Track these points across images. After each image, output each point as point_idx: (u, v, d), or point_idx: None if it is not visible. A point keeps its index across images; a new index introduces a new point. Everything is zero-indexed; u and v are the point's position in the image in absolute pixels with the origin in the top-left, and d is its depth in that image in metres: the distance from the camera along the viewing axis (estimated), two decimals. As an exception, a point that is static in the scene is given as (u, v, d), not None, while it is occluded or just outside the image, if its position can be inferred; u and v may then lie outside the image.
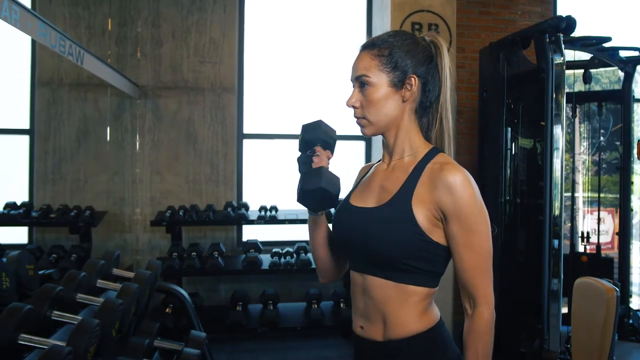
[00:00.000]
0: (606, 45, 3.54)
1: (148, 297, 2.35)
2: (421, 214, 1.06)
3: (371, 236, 1.09)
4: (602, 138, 4.08)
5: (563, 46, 3.07)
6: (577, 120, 3.98)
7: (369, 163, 1.33)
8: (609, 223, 4.23)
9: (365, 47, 1.16)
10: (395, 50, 1.12)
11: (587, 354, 2.13)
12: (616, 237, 4.19)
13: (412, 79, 1.12)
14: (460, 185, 1.04)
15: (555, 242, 3.06)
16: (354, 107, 1.15)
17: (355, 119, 1.17)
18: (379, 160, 1.27)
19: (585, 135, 3.98)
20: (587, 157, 4.16)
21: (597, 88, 3.75)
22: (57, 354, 1.26)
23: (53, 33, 2.21)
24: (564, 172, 3.10)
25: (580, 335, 2.18)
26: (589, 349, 2.11)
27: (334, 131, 1.23)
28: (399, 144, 1.16)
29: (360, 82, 1.13)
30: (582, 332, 2.18)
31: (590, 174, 4.16)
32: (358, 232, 1.13)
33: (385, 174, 1.18)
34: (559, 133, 3.07)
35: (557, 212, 3.05)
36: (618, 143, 4.32)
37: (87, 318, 1.53)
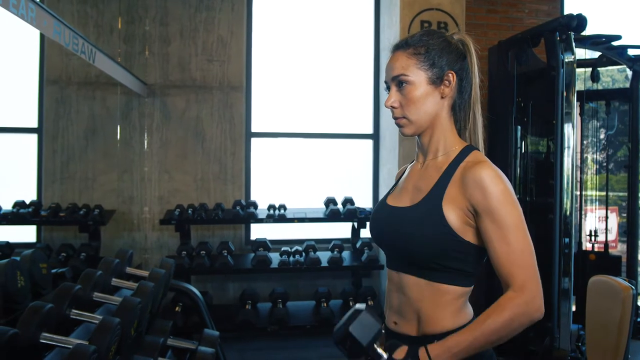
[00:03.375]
0: (615, 43, 3.54)
1: (162, 296, 2.35)
2: (452, 214, 1.06)
3: (404, 235, 1.10)
4: (602, 136, 4.07)
5: (574, 44, 3.07)
6: (578, 118, 3.98)
7: (406, 164, 1.33)
8: (612, 221, 4.24)
9: (399, 47, 1.16)
10: (431, 48, 1.12)
11: (601, 353, 2.13)
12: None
13: (450, 74, 1.13)
14: (490, 181, 1.03)
15: (566, 240, 3.06)
16: (392, 107, 1.15)
17: (395, 120, 1.17)
18: (413, 161, 1.27)
19: (586, 134, 3.97)
20: (588, 156, 4.16)
21: (597, 87, 3.75)
22: (83, 353, 1.25)
23: (67, 31, 2.20)
24: (574, 171, 3.10)
25: (595, 334, 2.18)
26: (604, 348, 2.11)
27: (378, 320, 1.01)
28: (434, 143, 1.17)
29: (398, 81, 1.13)
30: (596, 330, 2.17)
31: (591, 172, 4.16)
32: (392, 231, 1.14)
33: (419, 173, 1.19)
34: (569, 131, 3.07)
35: (567, 211, 3.05)
36: (617, 142, 4.32)
37: (108, 317, 1.52)
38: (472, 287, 1.13)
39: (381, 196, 4.16)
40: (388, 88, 1.17)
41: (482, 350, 1.07)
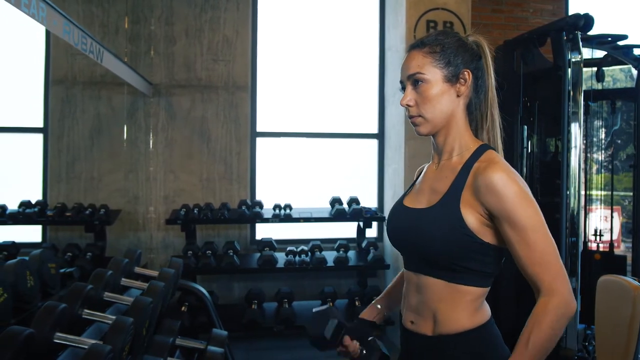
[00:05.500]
0: (620, 43, 3.54)
1: (171, 296, 2.35)
2: (470, 215, 1.06)
3: (422, 237, 1.09)
4: (603, 135, 4.07)
5: (581, 44, 3.07)
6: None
7: (424, 164, 1.33)
8: (615, 221, 4.23)
9: (414, 47, 1.16)
10: (447, 47, 1.13)
11: (611, 352, 2.13)
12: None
13: (466, 72, 1.13)
14: (502, 185, 1.02)
15: (573, 240, 3.06)
16: (408, 106, 1.15)
17: (410, 118, 1.17)
18: (430, 161, 1.27)
19: (590, 133, 3.96)
20: (593, 155, 4.16)
21: (599, 86, 3.75)
22: (99, 353, 1.25)
23: (76, 30, 2.20)
24: (580, 170, 3.10)
25: (605, 334, 2.18)
26: (613, 347, 2.11)
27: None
28: (449, 143, 1.17)
29: (413, 80, 1.13)
30: (606, 330, 2.17)
31: (591, 171, 4.15)
32: (410, 232, 1.14)
33: (434, 174, 1.19)
34: (576, 131, 3.07)
35: (574, 210, 3.05)
36: (620, 142, 4.32)
37: (122, 317, 1.52)
38: (489, 287, 1.13)
39: (386, 196, 4.19)
40: (403, 88, 1.17)
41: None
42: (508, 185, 1.02)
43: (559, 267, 1.02)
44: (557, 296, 1.00)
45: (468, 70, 1.13)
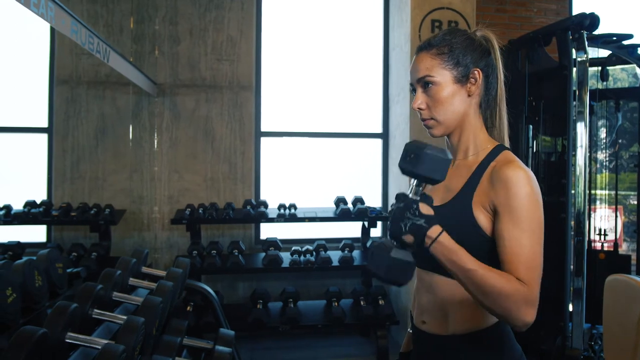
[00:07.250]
0: (625, 42, 3.54)
1: (178, 296, 2.35)
2: (480, 213, 1.06)
3: None
4: (604, 135, 4.07)
5: (586, 44, 3.07)
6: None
7: None
8: (617, 220, 4.23)
9: (422, 49, 1.15)
10: (455, 47, 1.12)
11: (619, 352, 2.13)
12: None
13: (476, 72, 1.12)
14: (516, 182, 1.00)
15: (578, 239, 3.06)
16: (420, 109, 1.14)
17: (423, 121, 1.16)
18: None
19: (590, 133, 3.96)
20: (597, 155, 4.16)
21: (600, 86, 3.75)
22: (113, 353, 1.25)
23: (83, 30, 2.20)
24: (586, 170, 3.10)
25: (613, 333, 2.18)
26: (621, 347, 2.11)
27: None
28: (464, 142, 1.16)
29: (423, 83, 1.12)
30: (614, 329, 2.17)
31: (595, 171, 4.15)
32: None
33: (449, 173, 1.17)
34: (582, 130, 3.06)
35: (580, 210, 3.04)
36: (621, 141, 4.31)
37: (133, 317, 1.52)
38: None
39: (391, 195, 4.18)
40: (414, 90, 1.16)
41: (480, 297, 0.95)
42: (522, 184, 1.00)
43: (539, 283, 0.99)
44: (531, 294, 0.95)
45: (478, 70, 1.12)
